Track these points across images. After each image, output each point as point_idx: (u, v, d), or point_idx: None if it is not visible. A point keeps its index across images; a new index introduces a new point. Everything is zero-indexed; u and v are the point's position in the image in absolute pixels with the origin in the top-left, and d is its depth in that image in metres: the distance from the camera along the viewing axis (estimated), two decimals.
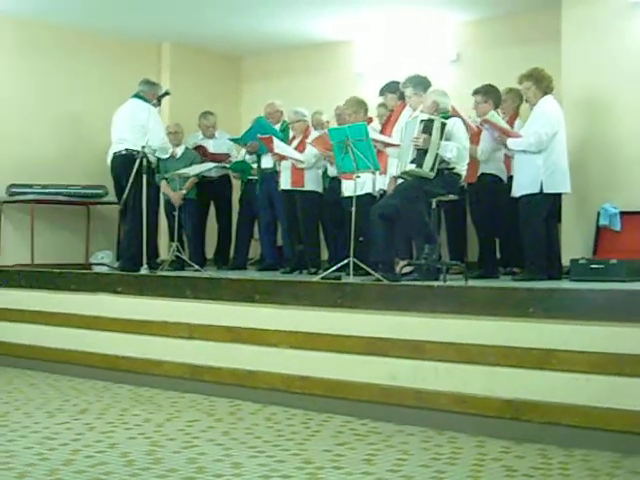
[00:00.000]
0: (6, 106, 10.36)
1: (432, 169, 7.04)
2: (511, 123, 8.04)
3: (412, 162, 7.08)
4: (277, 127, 9.68)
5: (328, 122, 9.73)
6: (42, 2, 9.92)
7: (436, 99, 7.39)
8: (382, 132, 8.24)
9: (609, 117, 8.02)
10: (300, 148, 9.02)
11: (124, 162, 8.68)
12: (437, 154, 7.04)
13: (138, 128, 8.69)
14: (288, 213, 9.24)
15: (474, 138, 7.73)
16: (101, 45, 11.12)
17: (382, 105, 8.76)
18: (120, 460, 4.86)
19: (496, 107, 7.96)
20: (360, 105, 8.50)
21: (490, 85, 8.15)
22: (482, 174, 7.98)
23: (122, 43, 11.28)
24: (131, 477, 4.51)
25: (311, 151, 8.82)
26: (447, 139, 7.10)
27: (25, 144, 10.42)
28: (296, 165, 8.97)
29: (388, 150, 7.78)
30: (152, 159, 8.79)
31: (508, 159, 8.08)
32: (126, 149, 8.73)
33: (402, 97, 8.20)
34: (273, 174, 9.47)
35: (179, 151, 9.90)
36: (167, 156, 9.34)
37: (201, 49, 11.80)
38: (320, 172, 9.16)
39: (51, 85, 10.74)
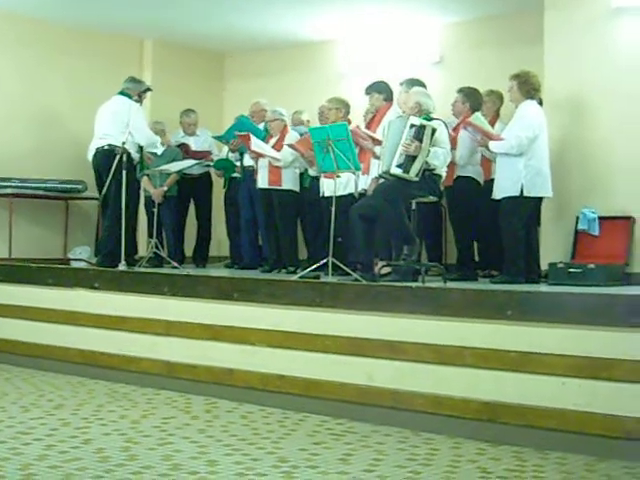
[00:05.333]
0: None
1: (417, 174, 7.05)
2: (492, 125, 8.04)
3: (399, 166, 7.06)
4: (261, 126, 9.66)
5: (309, 121, 9.73)
6: None
7: (419, 100, 7.38)
8: None
9: (590, 121, 8.04)
10: (278, 147, 9.00)
11: (106, 157, 8.64)
12: (425, 161, 7.04)
13: (120, 124, 8.66)
14: (266, 212, 9.22)
15: (451, 143, 7.73)
16: (83, 41, 11.04)
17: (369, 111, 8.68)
18: (94, 456, 4.84)
19: (474, 112, 7.93)
20: (343, 104, 8.52)
21: (474, 89, 8.18)
22: (459, 177, 7.97)
23: (104, 39, 11.20)
24: (105, 473, 4.49)
25: (288, 150, 8.80)
26: (432, 144, 7.10)
27: (4, 137, 10.34)
28: (273, 163, 8.95)
29: (377, 149, 7.73)
30: (134, 155, 8.78)
31: (486, 162, 8.10)
32: (109, 144, 8.68)
33: (388, 98, 8.20)
34: (254, 172, 9.45)
35: (161, 148, 9.86)
36: (159, 150, 9.47)
37: (184, 46, 11.74)
38: (298, 172, 9.14)
39: (31, 79, 10.66)
